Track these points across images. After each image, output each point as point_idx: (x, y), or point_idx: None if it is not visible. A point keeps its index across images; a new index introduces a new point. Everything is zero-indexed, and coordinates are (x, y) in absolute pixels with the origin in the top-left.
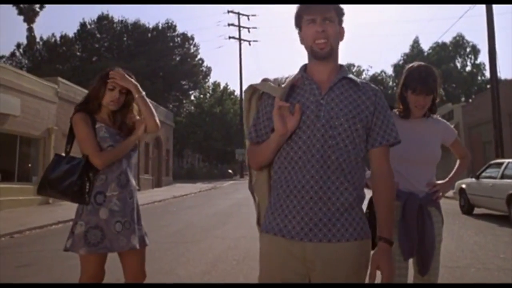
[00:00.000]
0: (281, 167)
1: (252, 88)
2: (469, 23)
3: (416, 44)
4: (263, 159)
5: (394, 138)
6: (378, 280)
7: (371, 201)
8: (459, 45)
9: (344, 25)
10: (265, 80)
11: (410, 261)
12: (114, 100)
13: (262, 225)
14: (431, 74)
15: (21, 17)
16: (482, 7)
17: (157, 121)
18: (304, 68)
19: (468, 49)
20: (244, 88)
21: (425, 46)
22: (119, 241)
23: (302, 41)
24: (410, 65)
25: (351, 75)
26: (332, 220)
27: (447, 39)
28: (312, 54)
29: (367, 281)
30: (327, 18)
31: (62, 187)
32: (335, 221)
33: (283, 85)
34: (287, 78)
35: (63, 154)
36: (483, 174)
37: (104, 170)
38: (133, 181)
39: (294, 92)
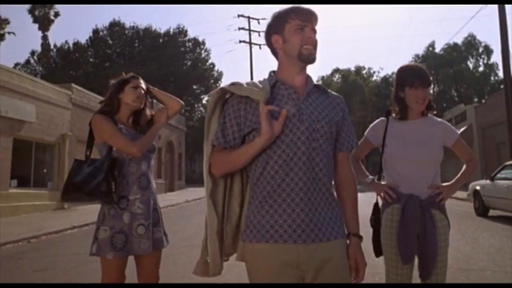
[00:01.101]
0: (263, 173)
1: (222, 91)
2: (481, 23)
3: (431, 47)
4: (235, 165)
5: (356, 143)
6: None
7: (375, 208)
8: (471, 45)
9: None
10: (236, 84)
11: (416, 262)
12: (140, 96)
13: (248, 235)
14: (424, 69)
15: (36, 25)
16: (494, 7)
17: (178, 99)
18: (272, 73)
19: (480, 49)
20: None
21: (437, 47)
22: (140, 244)
23: (282, 44)
24: (401, 66)
25: (318, 84)
26: (320, 220)
27: (459, 39)
28: (300, 57)
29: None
30: (314, 30)
31: (89, 189)
32: (322, 220)
33: (260, 89)
34: (260, 82)
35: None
36: (498, 175)
37: (124, 174)
38: (154, 183)
39: (270, 97)
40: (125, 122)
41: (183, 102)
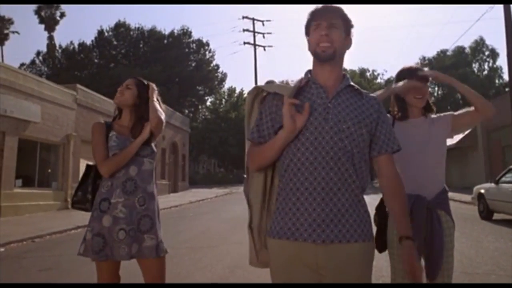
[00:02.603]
0: (287, 170)
1: (256, 90)
2: (487, 26)
3: (442, 54)
4: (265, 159)
5: (398, 146)
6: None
7: (378, 207)
8: (478, 49)
9: (352, 36)
10: (269, 82)
11: (422, 265)
12: (118, 92)
13: (272, 231)
14: (421, 67)
15: (42, 26)
16: (501, 11)
17: (160, 116)
18: (309, 73)
19: (487, 53)
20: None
21: (441, 49)
22: (120, 249)
23: (309, 46)
24: (399, 69)
25: (354, 84)
26: (341, 221)
27: (463, 42)
28: (315, 56)
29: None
30: (332, 25)
31: (74, 196)
32: (344, 222)
33: (291, 85)
34: (292, 80)
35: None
36: (503, 179)
37: (109, 177)
38: (149, 188)
39: (300, 95)
40: (124, 128)
41: (164, 120)
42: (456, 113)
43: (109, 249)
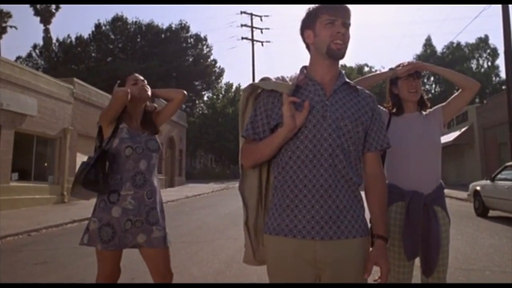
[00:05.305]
0: (285, 167)
1: (251, 87)
2: (485, 23)
3: (428, 42)
4: (261, 156)
5: (387, 143)
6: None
7: None
8: (480, 47)
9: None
10: (265, 79)
11: (417, 262)
12: (143, 86)
13: (269, 227)
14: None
15: (38, 18)
16: (498, 8)
17: (179, 89)
18: (304, 69)
19: (487, 51)
20: None
21: (439, 46)
22: (125, 238)
23: (313, 39)
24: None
25: (350, 81)
26: (340, 217)
27: (461, 39)
28: (328, 53)
29: (365, 276)
30: (345, 24)
31: (81, 178)
32: (342, 218)
33: (289, 82)
34: (287, 77)
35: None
36: (498, 176)
37: (119, 170)
38: (155, 182)
39: (298, 92)
40: (130, 121)
41: (184, 93)
42: (444, 103)
43: (117, 239)
